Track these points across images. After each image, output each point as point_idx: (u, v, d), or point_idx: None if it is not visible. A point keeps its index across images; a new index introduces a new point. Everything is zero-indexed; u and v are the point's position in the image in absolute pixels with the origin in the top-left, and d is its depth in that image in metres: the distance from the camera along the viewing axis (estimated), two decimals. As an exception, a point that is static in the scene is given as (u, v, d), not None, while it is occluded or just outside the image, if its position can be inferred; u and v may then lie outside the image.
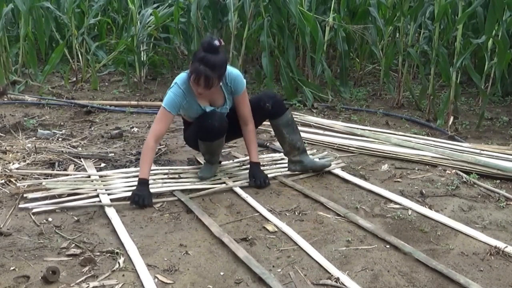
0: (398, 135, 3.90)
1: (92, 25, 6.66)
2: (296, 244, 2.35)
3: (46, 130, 3.91)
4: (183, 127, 3.20)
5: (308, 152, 3.55)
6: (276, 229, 2.48)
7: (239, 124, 3.01)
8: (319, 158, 3.44)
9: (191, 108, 2.89)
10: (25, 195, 2.69)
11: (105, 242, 2.32)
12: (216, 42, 2.67)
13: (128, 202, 2.71)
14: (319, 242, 2.38)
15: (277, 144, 3.47)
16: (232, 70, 2.88)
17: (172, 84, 2.84)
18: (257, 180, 2.96)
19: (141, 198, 2.66)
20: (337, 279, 2.06)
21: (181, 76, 2.84)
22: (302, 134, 3.87)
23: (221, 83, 2.83)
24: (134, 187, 2.84)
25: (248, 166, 3.08)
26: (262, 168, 3.17)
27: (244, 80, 2.94)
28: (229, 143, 3.51)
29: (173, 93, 2.80)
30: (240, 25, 5.32)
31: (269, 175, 3.09)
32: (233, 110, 3.01)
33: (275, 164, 3.33)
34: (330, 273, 2.11)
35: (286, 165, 3.21)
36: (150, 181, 2.94)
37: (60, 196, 2.72)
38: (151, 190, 2.83)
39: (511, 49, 4.20)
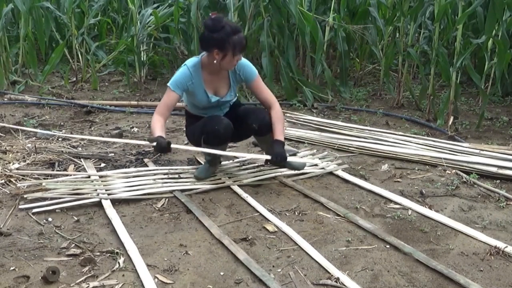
0: (398, 135, 3.91)
1: (92, 25, 6.67)
2: (296, 244, 2.35)
3: (46, 130, 3.90)
4: (185, 123, 3.20)
5: (308, 152, 3.56)
6: (276, 229, 2.48)
7: (243, 126, 2.97)
8: (319, 158, 3.44)
9: (196, 93, 2.89)
10: (25, 196, 2.69)
11: (105, 242, 2.32)
12: (212, 16, 2.75)
13: (128, 202, 2.72)
14: (319, 242, 2.38)
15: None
16: (241, 59, 2.88)
17: (181, 66, 2.89)
18: (278, 155, 2.84)
19: (160, 146, 2.70)
20: (337, 279, 2.06)
21: (191, 59, 2.89)
22: (303, 134, 3.89)
23: (229, 71, 2.89)
24: (134, 187, 2.85)
25: (246, 164, 3.08)
26: (262, 167, 3.17)
27: (254, 67, 2.95)
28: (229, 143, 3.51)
29: (180, 72, 2.86)
30: (240, 25, 5.31)
31: (269, 175, 3.09)
32: (237, 112, 3.01)
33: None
34: (330, 273, 2.11)
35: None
36: (150, 181, 2.95)
37: (60, 196, 2.72)
38: (150, 190, 2.84)
39: (511, 49, 4.20)
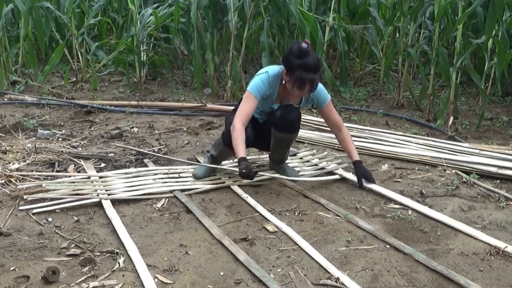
0: (398, 135, 3.91)
1: (92, 25, 6.67)
2: (296, 244, 2.35)
3: (46, 130, 3.91)
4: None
5: (308, 152, 3.56)
6: (276, 229, 2.48)
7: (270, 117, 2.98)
8: (319, 159, 3.44)
9: (266, 100, 2.89)
10: (25, 197, 2.68)
11: (105, 242, 2.32)
12: (304, 45, 2.70)
13: (128, 202, 2.72)
14: (319, 242, 2.38)
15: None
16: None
17: (262, 71, 2.86)
18: (369, 176, 2.98)
19: (247, 169, 2.69)
20: (337, 279, 2.06)
21: (274, 68, 2.87)
22: (303, 134, 3.89)
23: None
24: (134, 187, 2.84)
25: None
26: (262, 168, 3.16)
27: (327, 92, 2.97)
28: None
29: (261, 80, 2.82)
30: (240, 25, 5.32)
31: (269, 175, 3.09)
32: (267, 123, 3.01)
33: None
34: (330, 273, 2.11)
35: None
36: (150, 181, 2.95)
37: (60, 197, 2.71)
38: (149, 190, 2.84)
39: (511, 49, 4.20)
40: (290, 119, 2.93)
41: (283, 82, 2.79)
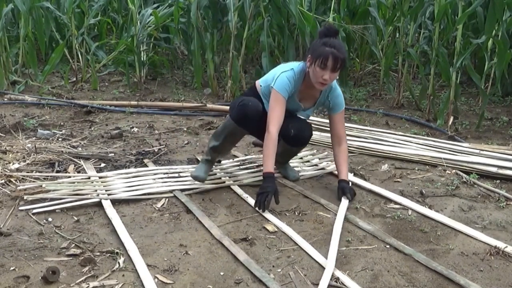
0: (398, 135, 3.91)
1: (92, 25, 6.67)
2: (296, 244, 2.35)
3: (46, 130, 3.91)
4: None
5: (308, 152, 3.56)
6: (276, 229, 2.48)
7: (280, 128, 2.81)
8: (319, 159, 3.44)
9: (290, 98, 2.80)
10: (25, 197, 2.68)
11: (105, 242, 2.32)
12: (334, 27, 2.67)
13: (128, 202, 2.72)
14: (319, 242, 2.38)
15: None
16: (337, 88, 2.86)
17: (287, 69, 2.76)
18: (347, 193, 2.79)
19: (264, 195, 2.58)
20: (337, 279, 2.06)
21: (297, 64, 2.78)
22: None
23: (322, 92, 2.81)
24: (134, 187, 2.84)
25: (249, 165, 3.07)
26: (262, 167, 3.16)
27: (344, 101, 2.92)
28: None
29: (287, 77, 2.72)
30: (240, 25, 5.32)
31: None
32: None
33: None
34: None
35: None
36: (150, 181, 2.95)
37: (60, 197, 2.71)
38: (149, 190, 2.83)
39: (511, 49, 4.20)
40: (304, 137, 2.97)
41: (305, 76, 2.73)
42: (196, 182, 2.97)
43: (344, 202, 2.74)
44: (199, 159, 3.39)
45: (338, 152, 2.94)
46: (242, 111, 2.77)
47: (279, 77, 2.74)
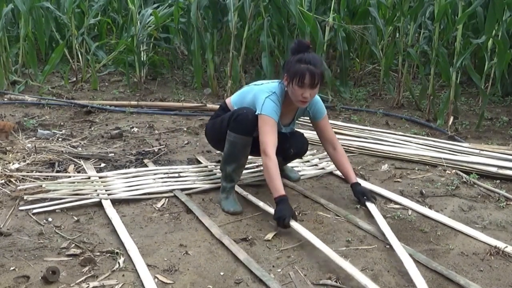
0: (398, 135, 3.91)
1: (92, 25, 6.67)
2: (296, 244, 2.35)
3: (46, 130, 3.91)
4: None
5: (308, 152, 3.55)
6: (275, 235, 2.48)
7: (278, 146, 2.70)
8: (319, 159, 3.44)
9: None
10: (25, 197, 2.68)
11: (105, 242, 2.32)
12: (305, 41, 2.62)
13: (128, 202, 2.72)
14: (319, 242, 2.38)
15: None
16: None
17: (269, 93, 2.63)
18: (369, 196, 2.75)
19: (283, 217, 2.42)
20: (337, 279, 2.06)
21: (276, 86, 2.68)
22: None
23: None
24: (134, 187, 2.84)
25: None
26: (262, 168, 3.16)
27: (323, 105, 2.85)
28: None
29: (273, 101, 2.61)
30: (240, 25, 5.32)
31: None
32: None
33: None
34: (330, 273, 2.11)
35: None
36: (150, 181, 2.95)
37: (60, 197, 2.71)
38: (150, 190, 2.84)
39: (511, 49, 4.20)
40: (304, 151, 3.03)
41: (285, 95, 2.66)
42: (196, 182, 2.97)
43: (372, 207, 2.67)
44: (199, 159, 3.39)
45: (336, 156, 2.86)
46: (243, 120, 2.66)
47: (265, 102, 2.60)
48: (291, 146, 2.88)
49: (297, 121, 2.97)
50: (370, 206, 2.69)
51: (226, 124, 2.73)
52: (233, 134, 2.69)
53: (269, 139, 2.56)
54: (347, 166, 2.85)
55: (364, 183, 3.04)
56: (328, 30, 5.19)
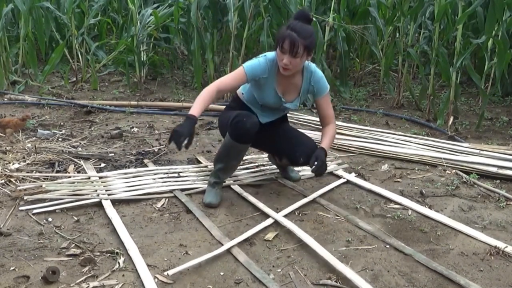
0: (398, 135, 3.91)
1: (92, 25, 6.67)
2: (298, 241, 2.35)
3: (46, 130, 3.91)
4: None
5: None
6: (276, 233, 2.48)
7: (286, 152, 2.84)
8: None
9: (265, 88, 2.72)
10: (25, 197, 2.68)
11: (105, 242, 2.32)
12: (309, 14, 2.60)
13: (128, 202, 2.72)
14: (319, 242, 2.38)
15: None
16: (318, 71, 2.78)
17: (261, 55, 2.69)
18: (319, 161, 2.65)
19: (178, 134, 2.40)
20: (337, 279, 2.06)
21: (272, 53, 2.68)
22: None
23: (303, 79, 2.73)
24: (134, 187, 2.84)
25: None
26: (262, 168, 3.16)
27: (328, 85, 2.83)
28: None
29: (259, 61, 2.65)
30: (240, 25, 5.32)
31: (269, 175, 3.09)
32: (281, 129, 2.92)
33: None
34: (330, 273, 2.11)
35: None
36: (150, 181, 2.95)
37: (60, 197, 2.71)
38: (150, 190, 2.83)
39: (511, 49, 4.20)
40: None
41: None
42: (196, 182, 2.97)
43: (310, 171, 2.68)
44: (199, 159, 3.39)
45: (324, 129, 2.84)
46: (241, 129, 2.65)
47: (251, 60, 2.68)
48: (300, 155, 2.80)
49: (304, 99, 2.86)
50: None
51: (228, 123, 2.73)
52: (229, 138, 2.71)
53: (223, 79, 2.64)
54: (327, 135, 2.80)
55: (364, 183, 3.05)
56: (328, 30, 5.19)
